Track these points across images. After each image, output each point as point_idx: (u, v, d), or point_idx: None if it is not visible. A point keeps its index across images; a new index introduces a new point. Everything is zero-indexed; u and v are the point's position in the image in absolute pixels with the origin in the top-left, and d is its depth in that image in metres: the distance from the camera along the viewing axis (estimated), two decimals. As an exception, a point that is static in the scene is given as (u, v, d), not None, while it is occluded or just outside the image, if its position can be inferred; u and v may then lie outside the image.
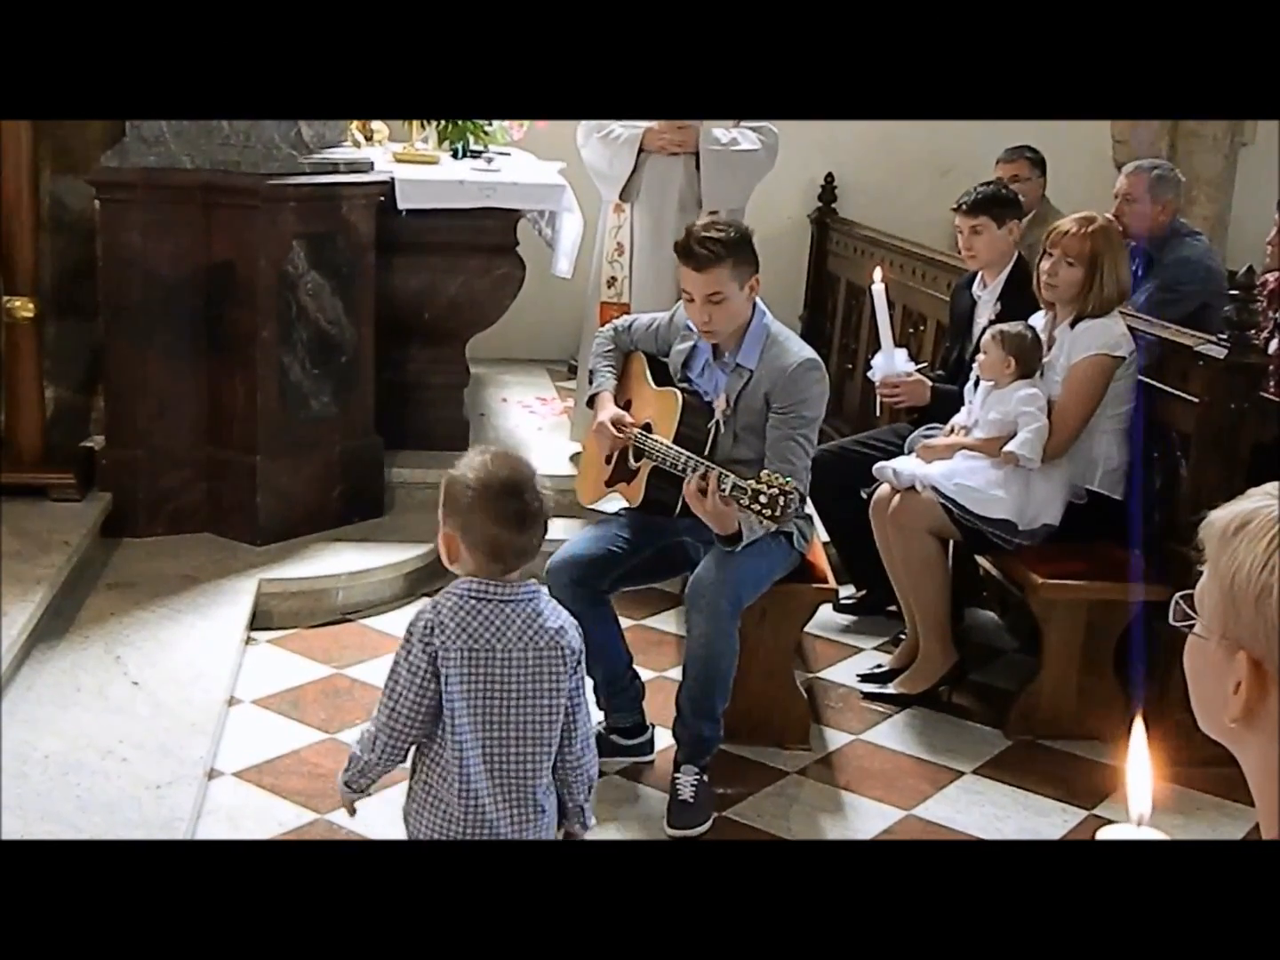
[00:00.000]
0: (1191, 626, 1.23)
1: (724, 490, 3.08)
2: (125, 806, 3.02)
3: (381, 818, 3.18)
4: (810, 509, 3.69)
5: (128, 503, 4.45)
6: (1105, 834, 1.25)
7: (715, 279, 3.33)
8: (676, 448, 3.33)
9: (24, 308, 4.37)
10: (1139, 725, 1.28)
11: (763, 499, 2.99)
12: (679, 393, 3.47)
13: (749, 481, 3.03)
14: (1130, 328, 3.91)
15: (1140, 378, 3.88)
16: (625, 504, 3.57)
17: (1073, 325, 3.88)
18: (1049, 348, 3.93)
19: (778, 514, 2.98)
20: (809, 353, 3.44)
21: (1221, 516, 1.19)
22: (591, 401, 3.63)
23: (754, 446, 3.40)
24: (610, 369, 3.66)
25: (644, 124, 4.85)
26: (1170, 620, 1.25)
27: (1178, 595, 1.25)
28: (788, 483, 3.00)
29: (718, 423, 3.43)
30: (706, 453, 3.35)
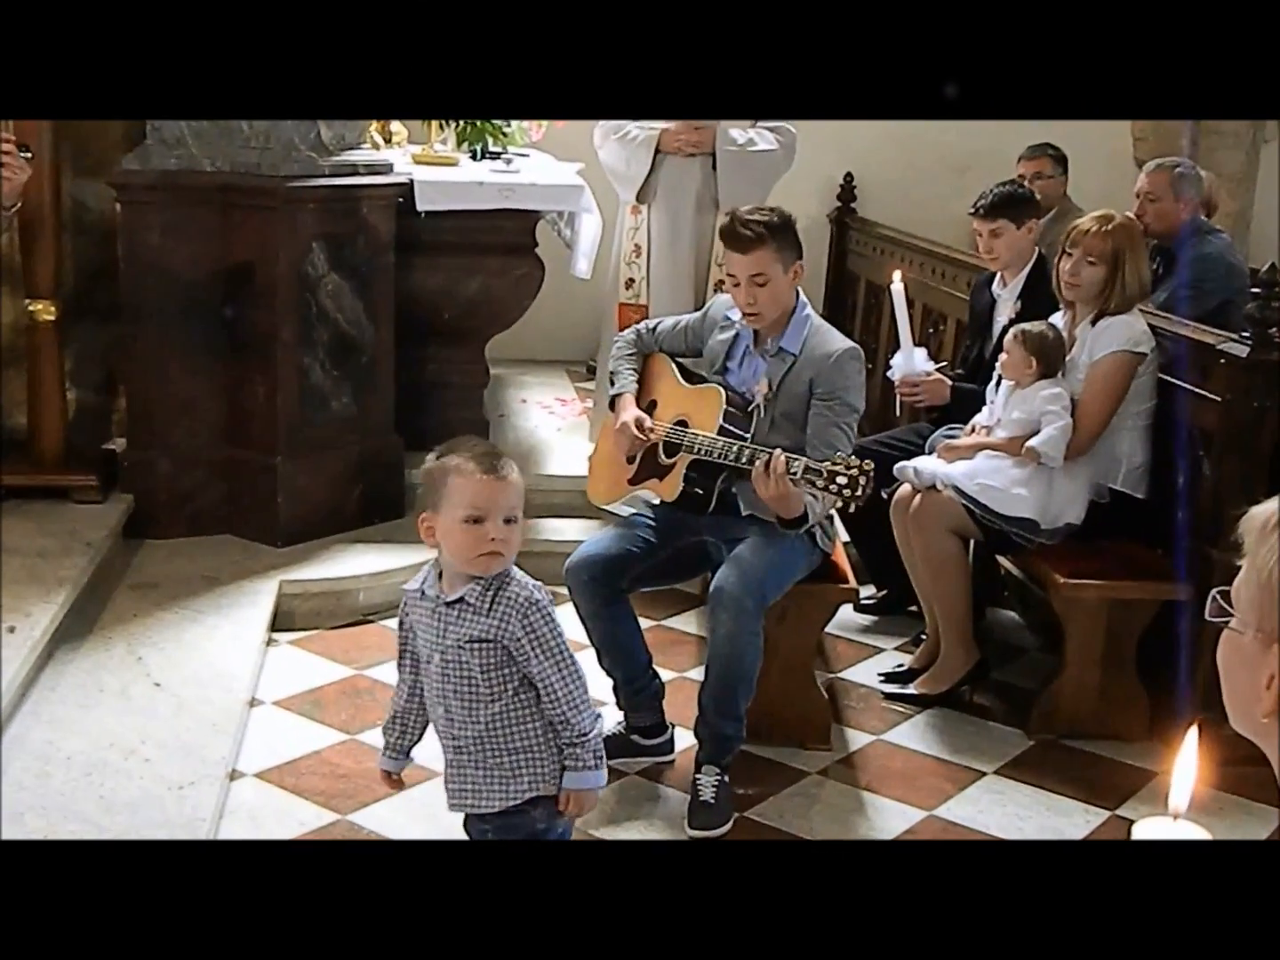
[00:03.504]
0: (1227, 621, 1.22)
1: (794, 474, 3.07)
2: (148, 806, 3.03)
3: (403, 816, 3.19)
4: (831, 509, 3.67)
5: (149, 504, 4.47)
6: (1141, 827, 1.25)
7: (759, 260, 3.35)
8: (725, 438, 3.32)
9: (45, 310, 4.39)
10: (1193, 731, 1.28)
11: (840, 479, 2.99)
12: (721, 388, 3.47)
13: (823, 464, 3.03)
14: (1151, 326, 3.90)
15: (1161, 376, 3.86)
16: (656, 499, 3.56)
17: (1094, 323, 3.86)
18: (1070, 346, 3.91)
19: (858, 493, 2.98)
20: (851, 343, 3.46)
21: (1262, 511, 1.19)
22: (613, 404, 3.63)
23: (790, 434, 3.38)
24: (632, 371, 3.66)
25: (660, 125, 4.84)
26: (1206, 615, 1.24)
27: (1215, 590, 1.24)
28: (866, 462, 3.00)
29: (758, 407, 3.43)
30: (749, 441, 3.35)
